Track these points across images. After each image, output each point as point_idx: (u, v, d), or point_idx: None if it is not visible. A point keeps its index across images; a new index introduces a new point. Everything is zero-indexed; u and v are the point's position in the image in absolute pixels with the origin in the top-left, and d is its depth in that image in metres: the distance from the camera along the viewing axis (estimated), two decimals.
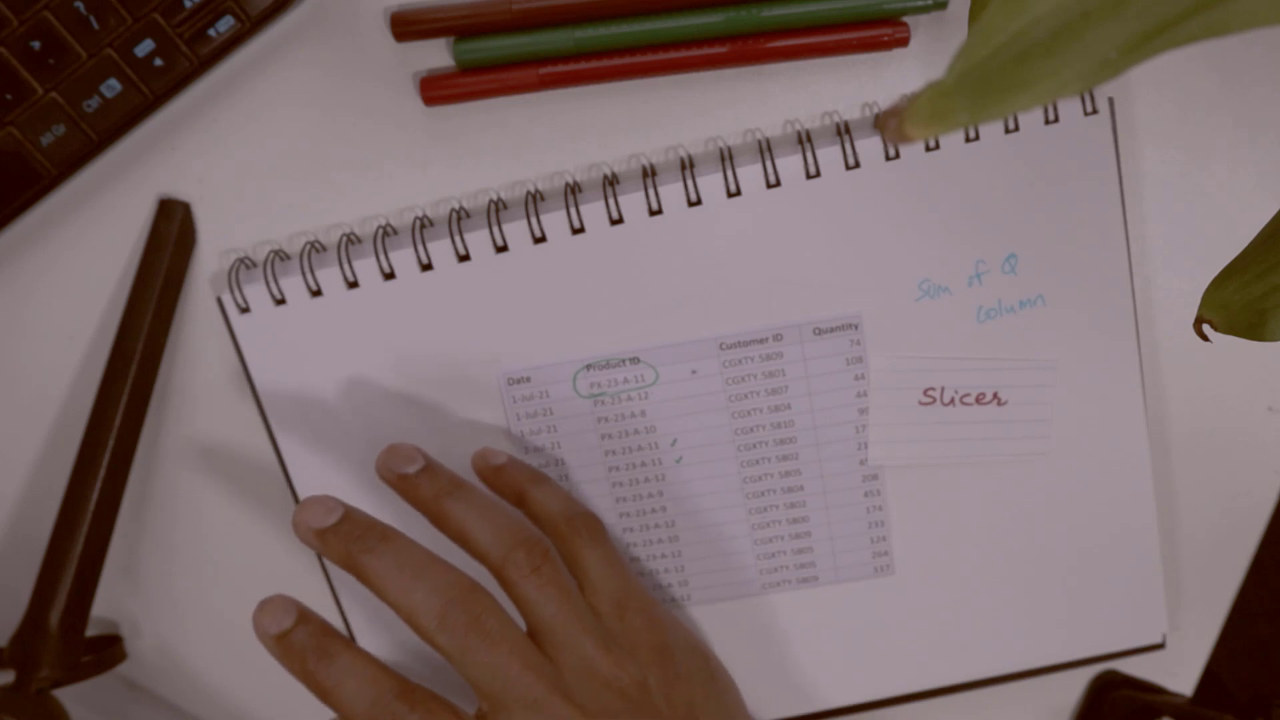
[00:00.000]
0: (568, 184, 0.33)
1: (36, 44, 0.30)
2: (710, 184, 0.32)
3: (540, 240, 0.33)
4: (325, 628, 0.29)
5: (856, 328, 0.34)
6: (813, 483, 0.36)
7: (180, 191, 0.33)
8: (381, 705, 0.27)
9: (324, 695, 0.28)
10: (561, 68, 0.31)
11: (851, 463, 0.36)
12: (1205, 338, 0.25)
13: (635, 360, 0.34)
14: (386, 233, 0.33)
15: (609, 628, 0.31)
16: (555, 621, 0.30)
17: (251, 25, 0.30)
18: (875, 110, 0.33)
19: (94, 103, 0.31)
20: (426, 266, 0.33)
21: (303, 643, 0.28)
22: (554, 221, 0.33)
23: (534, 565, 0.30)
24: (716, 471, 0.36)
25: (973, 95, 0.15)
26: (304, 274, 0.33)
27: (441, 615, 0.28)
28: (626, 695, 0.30)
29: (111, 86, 0.31)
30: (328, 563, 0.37)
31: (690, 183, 0.32)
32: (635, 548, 0.37)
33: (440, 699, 0.28)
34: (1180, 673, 0.41)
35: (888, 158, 0.32)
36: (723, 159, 0.32)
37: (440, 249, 0.33)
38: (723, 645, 0.38)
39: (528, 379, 0.34)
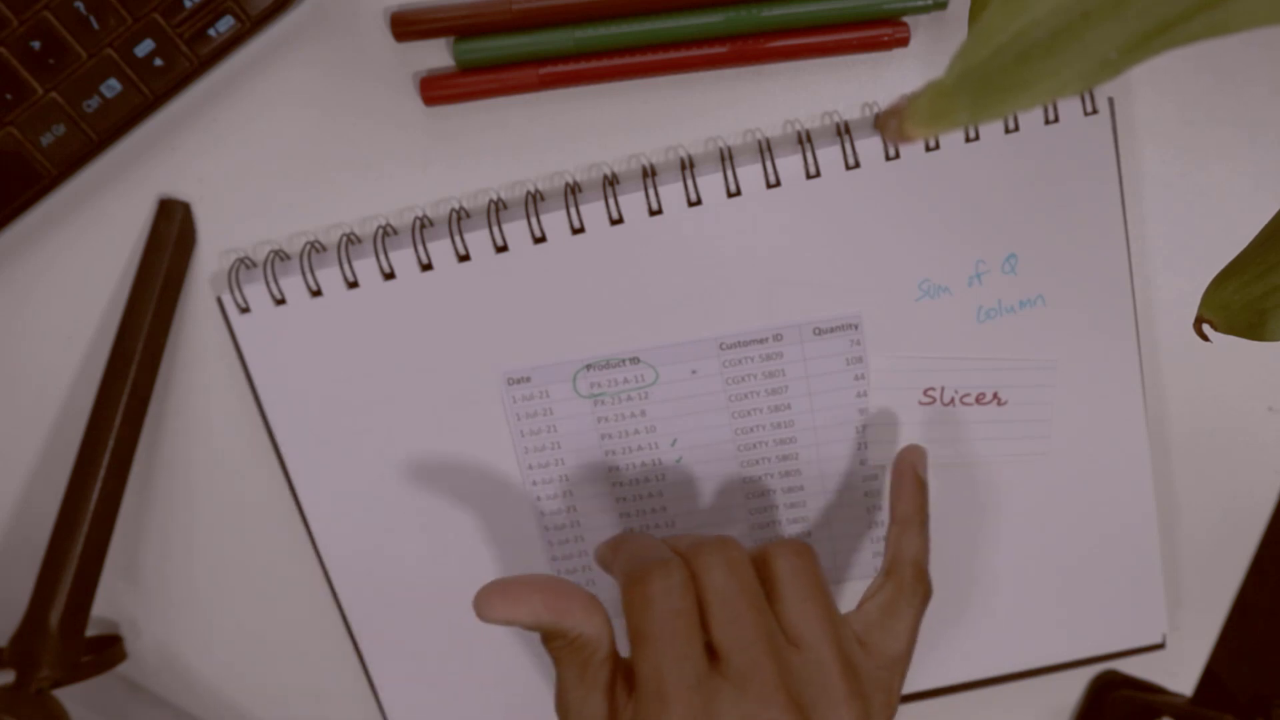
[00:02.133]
0: (568, 184, 0.33)
1: (36, 44, 0.30)
2: (710, 184, 0.32)
3: (540, 240, 0.33)
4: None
5: (856, 328, 0.34)
6: (813, 483, 0.36)
7: (180, 191, 0.33)
8: (658, 551, 0.30)
9: (620, 541, 0.31)
10: (561, 68, 0.31)
11: (852, 463, 0.36)
12: (1205, 338, 0.25)
13: (635, 360, 0.34)
14: (386, 233, 0.33)
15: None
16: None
17: (251, 25, 0.30)
18: (875, 110, 0.33)
19: (94, 103, 0.31)
20: (426, 266, 0.33)
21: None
22: (554, 221, 0.33)
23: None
24: (716, 471, 0.36)
25: (973, 95, 0.15)
26: (304, 274, 0.33)
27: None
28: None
29: (111, 86, 0.30)
30: (328, 565, 0.37)
31: (690, 183, 0.32)
32: None
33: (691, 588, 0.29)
34: (1180, 673, 0.41)
35: (888, 158, 0.32)
36: (723, 159, 0.32)
37: (440, 249, 0.33)
38: None
39: (528, 379, 0.34)
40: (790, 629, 0.29)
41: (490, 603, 0.28)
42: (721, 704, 0.27)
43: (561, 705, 0.29)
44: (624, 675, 0.29)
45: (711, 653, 0.28)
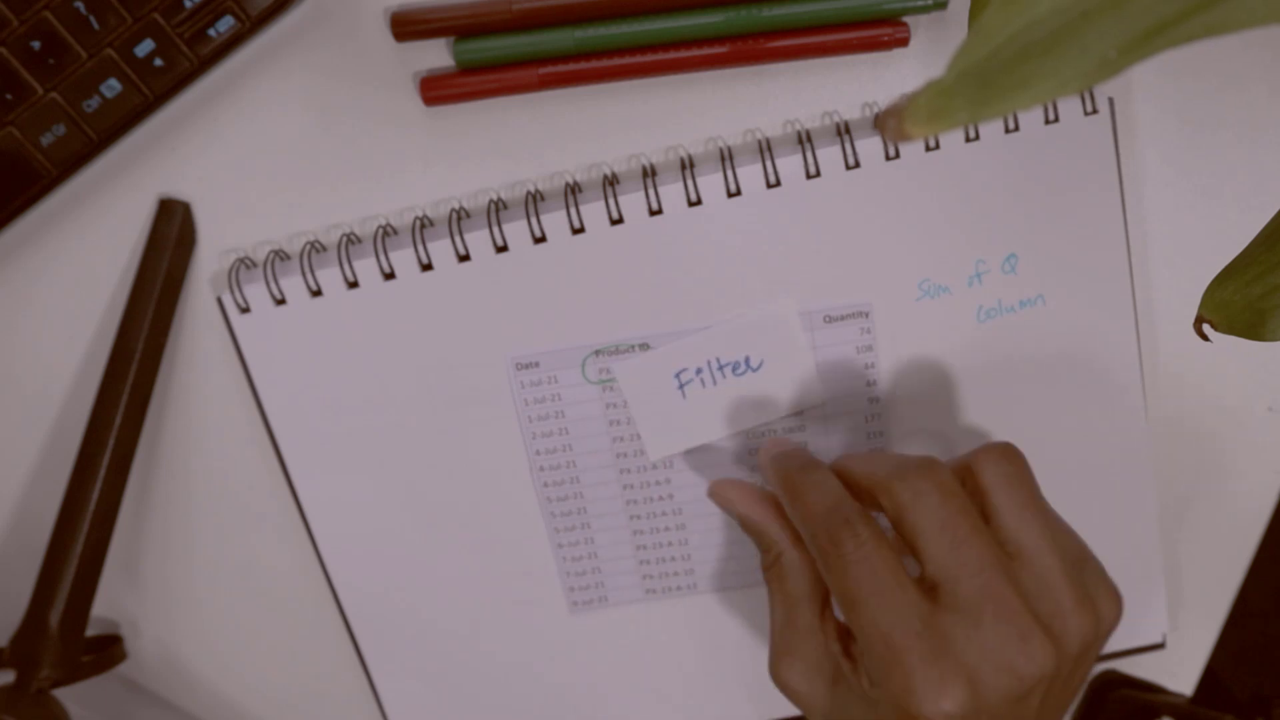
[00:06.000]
0: (568, 184, 0.33)
1: (36, 44, 0.30)
2: (710, 184, 0.32)
3: (540, 240, 0.33)
4: (814, 458, 0.31)
5: (867, 315, 0.34)
6: None
7: (180, 191, 0.33)
8: (840, 512, 0.28)
9: (794, 492, 0.30)
10: (561, 68, 0.31)
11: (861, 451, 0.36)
12: (1205, 338, 0.25)
13: (645, 346, 0.34)
14: (386, 233, 0.33)
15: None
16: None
17: (251, 25, 0.30)
18: (875, 110, 0.33)
19: (94, 103, 0.31)
20: (427, 266, 0.33)
21: (793, 459, 0.31)
22: (554, 221, 0.33)
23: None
24: (724, 459, 0.36)
25: (972, 94, 0.15)
26: (304, 274, 0.33)
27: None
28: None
29: (111, 86, 0.31)
30: (328, 565, 0.37)
31: (690, 183, 0.32)
32: (642, 535, 0.37)
33: (884, 534, 0.28)
34: (1180, 673, 0.41)
35: (888, 158, 0.32)
36: (723, 159, 0.32)
37: (440, 249, 0.33)
38: (729, 634, 0.38)
39: (536, 364, 0.35)
40: (1010, 541, 0.27)
41: (722, 490, 0.33)
42: (958, 639, 0.25)
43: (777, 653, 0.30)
44: (844, 642, 0.29)
45: (926, 588, 0.26)
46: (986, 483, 0.28)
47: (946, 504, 0.27)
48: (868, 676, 0.27)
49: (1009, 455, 0.29)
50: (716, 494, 0.34)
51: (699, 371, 0.34)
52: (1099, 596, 0.28)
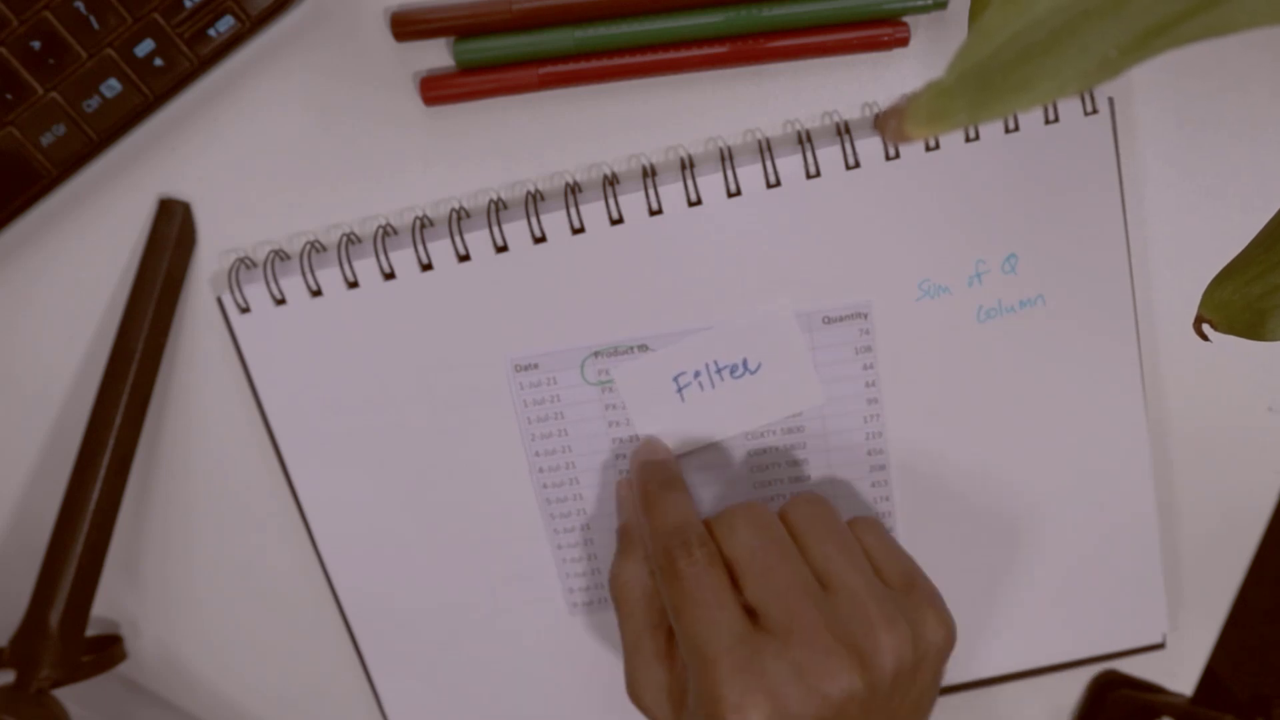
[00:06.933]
0: (568, 184, 0.33)
1: (36, 44, 0.30)
2: (710, 184, 0.32)
3: (540, 240, 0.33)
4: (678, 476, 0.34)
5: (866, 317, 0.34)
6: (819, 471, 0.36)
7: (180, 191, 0.33)
8: (682, 533, 0.30)
9: (649, 507, 0.32)
10: (561, 68, 0.31)
11: (859, 452, 0.36)
12: (1205, 338, 0.25)
13: (644, 348, 0.34)
14: (386, 233, 0.33)
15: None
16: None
17: (251, 25, 0.30)
18: (875, 110, 0.33)
19: (94, 103, 0.31)
20: (427, 266, 0.33)
21: (656, 473, 0.33)
22: (554, 221, 0.33)
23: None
24: (723, 460, 0.36)
25: (973, 95, 0.15)
26: (304, 274, 0.33)
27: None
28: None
29: (111, 86, 0.30)
30: (328, 565, 0.37)
31: (690, 183, 0.32)
32: None
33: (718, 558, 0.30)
34: (1180, 673, 0.41)
35: (888, 158, 0.32)
36: (723, 159, 0.32)
37: (440, 249, 0.33)
38: None
39: (535, 365, 0.35)
40: (819, 573, 0.29)
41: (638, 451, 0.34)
42: (766, 657, 0.27)
43: (628, 672, 0.31)
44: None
45: (753, 614, 0.28)
46: (794, 525, 0.31)
47: (758, 535, 0.30)
48: (691, 691, 0.28)
49: (811, 499, 0.32)
50: (618, 494, 0.36)
51: (697, 375, 0.34)
52: (920, 619, 0.29)
